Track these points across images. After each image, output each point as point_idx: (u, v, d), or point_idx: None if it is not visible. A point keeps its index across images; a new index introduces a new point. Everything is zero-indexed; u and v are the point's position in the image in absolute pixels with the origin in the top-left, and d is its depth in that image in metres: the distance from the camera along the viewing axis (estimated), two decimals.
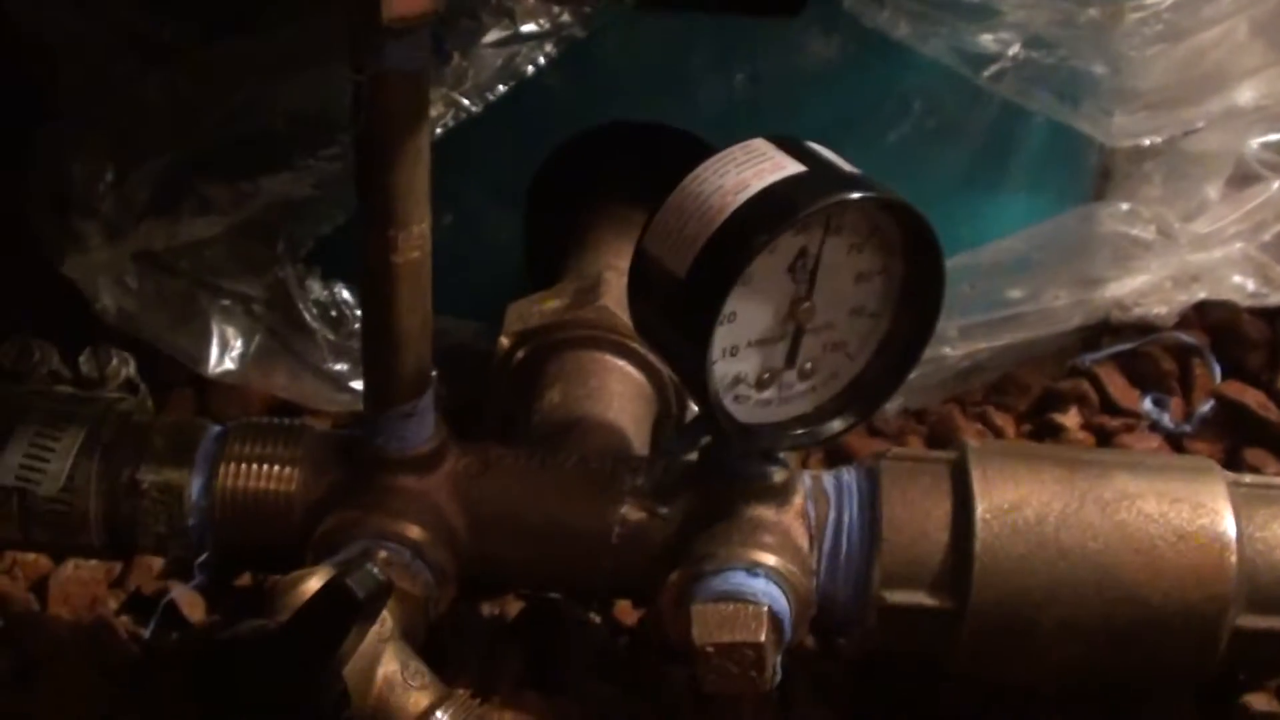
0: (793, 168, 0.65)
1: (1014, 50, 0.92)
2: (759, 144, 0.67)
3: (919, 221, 0.67)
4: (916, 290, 0.70)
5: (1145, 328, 1.04)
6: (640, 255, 0.66)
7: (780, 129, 0.85)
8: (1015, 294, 0.99)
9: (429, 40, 0.64)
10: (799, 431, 0.69)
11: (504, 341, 0.83)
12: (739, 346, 0.67)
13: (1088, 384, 1.01)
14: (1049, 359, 1.04)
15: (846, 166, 0.67)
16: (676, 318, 0.66)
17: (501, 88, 0.83)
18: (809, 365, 0.69)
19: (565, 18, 0.83)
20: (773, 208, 0.64)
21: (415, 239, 0.67)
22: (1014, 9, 0.90)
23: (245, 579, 0.85)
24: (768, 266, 0.65)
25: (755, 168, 0.65)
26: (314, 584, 0.65)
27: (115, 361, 0.77)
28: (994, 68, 0.92)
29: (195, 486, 0.74)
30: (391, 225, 0.66)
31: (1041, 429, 0.99)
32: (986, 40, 0.91)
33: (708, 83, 0.94)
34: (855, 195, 0.65)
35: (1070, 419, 0.98)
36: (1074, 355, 1.04)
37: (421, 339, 0.70)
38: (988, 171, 1.02)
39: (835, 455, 0.94)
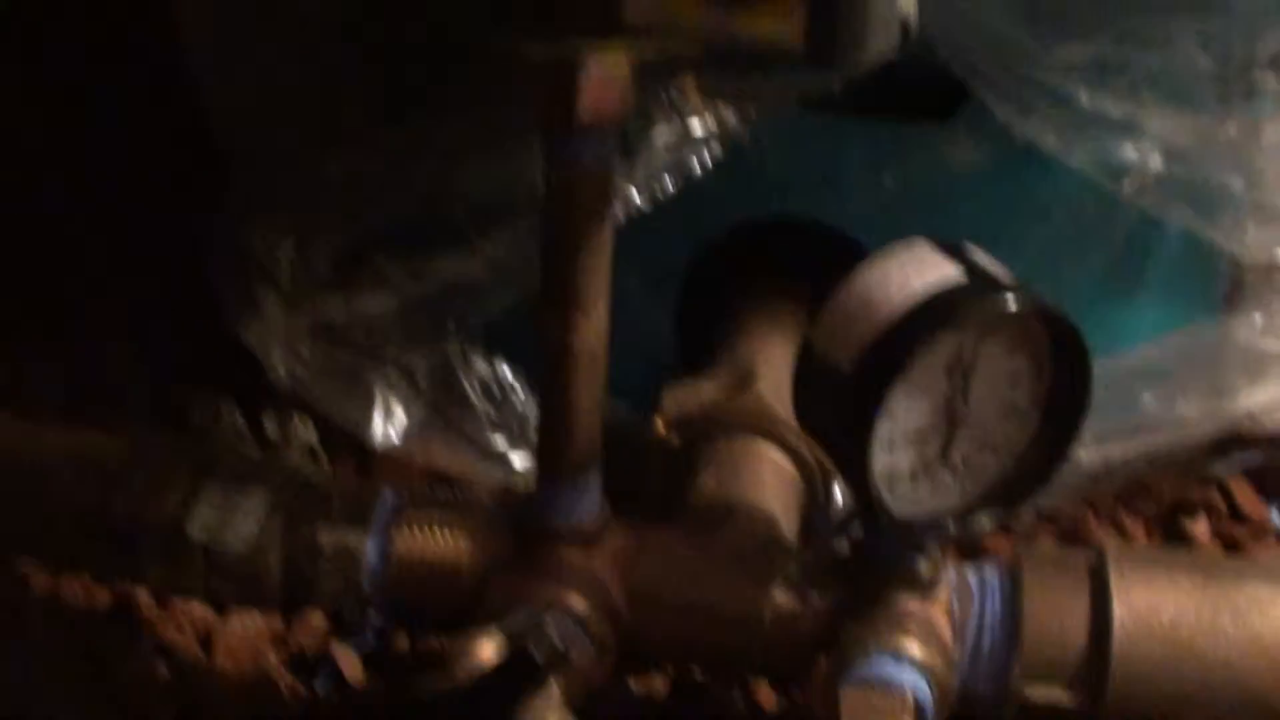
0: (953, 271, 0.69)
1: (1154, 163, 0.95)
2: (921, 245, 0.70)
3: (1069, 329, 0.70)
4: (1063, 394, 0.73)
5: (1275, 440, 1.06)
6: (806, 348, 0.70)
7: (926, 229, 0.89)
8: (1149, 400, 1.02)
9: (617, 139, 0.69)
10: (948, 525, 0.72)
11: (659, 425, 0.87)
12: (895, 440, 0.70)
13: (1217, 493, 1.03)
14: (1179, 466, 1.06)
15: (1003, 272, 0.70)
16: (840, 410, 0.69)
17: (669, 185, 0.87)
18: (959, 461, 0.72)
19: (731, 119, 0.87)
20: (934, 310, 0.67)
21: (594, 325, 0.71)
22: (1157, 124, 0.93)
23: (403, 643, 0.89)
24: (927, 365, 0.69)
25: (918, 270, 0.69)
26: (487, 647, 0.68)
27: (297, 426, 0.82)
28: (1135, 180, 0.95)
29: (371, 550, 0.77)
30: (573, 309, 0.70)
31: (1171, 535, 1.01)
32: (1129, 153, 0.94)
33: (858, 182, 0.99)
34: (1011, 302, 0.68)
35: (1199, 527, 1.01)
36: (1204, 464, 1.06)
37: (593, 418, 0.74)
38: (1123, 279, 1.05)
39: (968, 549, 0.96)
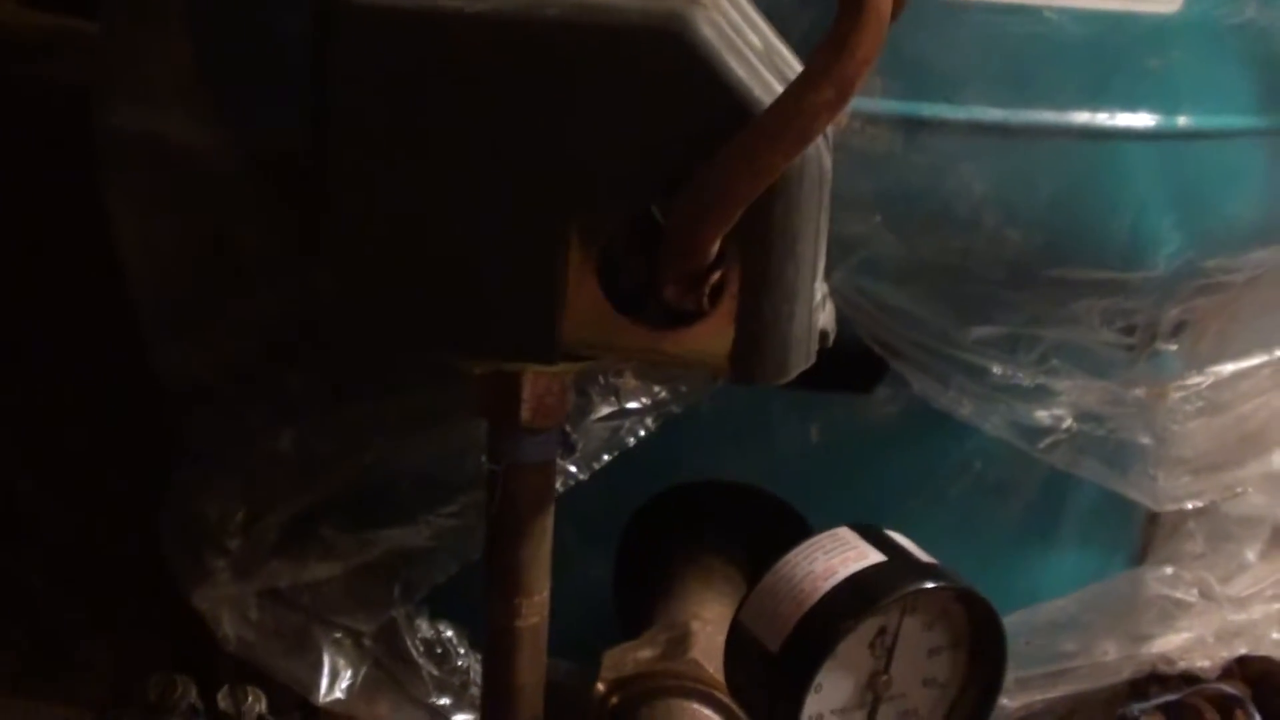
0: (874, 556, 0.74)
1: (1067, 424, 1.00)
2: (844, 533, 0.75)
3: (984, 606, 0.75)
4: (982, 661, 0.77)
5: (1190, 679, 1.10)
6: (737, 628, 0.74)
7: (849, 486, 0.94)
8: (1068, 648, 1.06)
9: (557, 436, 0.73)
10: None
11: (600, 687, 0.90)
12: (823, 714, 0.74)
13: None
14: (1100, 707, 1.10)
15: (922, 555, 0.75)
16: (769, 687, 0.73)
17: (606, 457, 0.92)
18: None
19: (664, 395, 0.92)
20: (857, 594, 0.72)
21: (536, 606, 0.75)
22: (1068, 390, 0.99)
23: None
24: (851, 643, 0.73)
25: (841, 555, 0.74)
26: None
27: (250, 699, 0.85)
28: (1048, 440, 1.00)
29: None
30: (517, 594, 0.74)
31: None
32: (1042, 416, 0.99)
33: (786, 445, 1.03)
34: (929, 585, 0.73)
35: None
36: (1123, 704, 1.11)
37: (536, 693, 0.77)
38: (1040, 528, 1.10)
39: None
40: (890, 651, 0.74)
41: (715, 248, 0.60)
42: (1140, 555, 1.16)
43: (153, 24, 0.99)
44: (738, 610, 0.75)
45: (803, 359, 0.64)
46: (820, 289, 0.66)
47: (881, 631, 0.74)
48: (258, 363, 1.01)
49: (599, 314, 0.63)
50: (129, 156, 0.98)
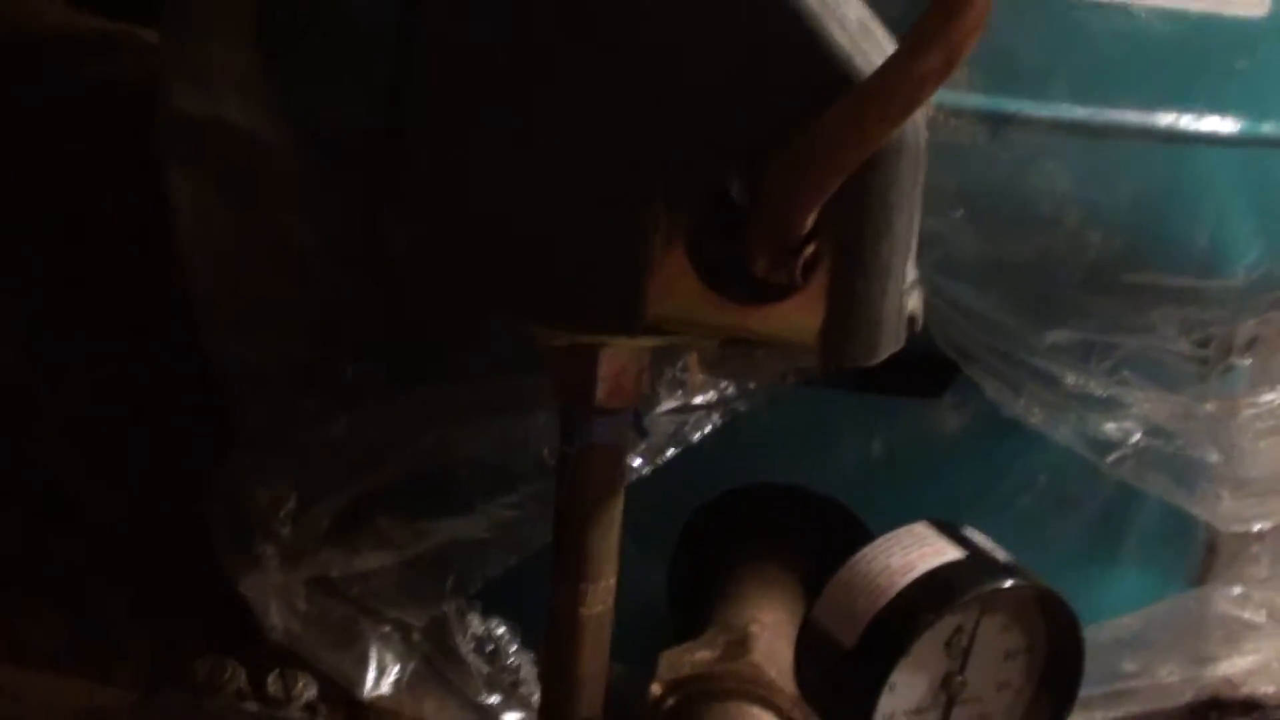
0: (952, 553, 0.72)
1: (1135, 438, 0.98)
2: (921, 529, 0.73)
3: (1063, 608, 0.73)
4: (1057, 668, 0.75)
5: (1251, 705, 1.08)
6: (809, 624, 0.72)
7: (912, 496, 0.92)
8: (1130, 668, 1.04)
9: (630, 419, 0.71)
10: None
11: (656, 689, 0.88)
12: (895, 714, 0.72)
13: None
14: None
15: (1001, 553, 0.73)
16: (842, 686, 0.71)
17: (670, 452, 0.90)
18: None
19: (730, 391, 0.90)
20: (935, 591, 0.70)
21: (602, 593, 0.73)
22: (1139, 402, 0.97)
23: None
24: (927, 642, 0.71)
25: (919, 551, 0.72)
26: None
27: (300, 684, 0.83)
28: (1116, 454, 0.98)
29: None
30: (583, 580, 0.72)
31: None
32: (1111, 429, 0.97)
33: (848, 451, 1.01)
34: (1009, 583, 0.71)
35: None
36: None
37: (597, 684, 0.75)
38: (1102, 546, 1.08)
39: None
40: (966, 652, 0.72)
41: (811, 219, 0.58)
42: (1199, 579, 1.14)
43: (220, 10, 0.98)
44: (811, 606, 0.73)
45: (892, 341, 0.62)
46: (911, 271, 0.64)
47: (958, 631, 0.72)
48: (313, 350, 1.00)
49: (685, 287, 0.61)
50: (191, 141, 0.97)
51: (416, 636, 0.98)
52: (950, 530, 0.73)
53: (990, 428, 1.00)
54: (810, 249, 0.60)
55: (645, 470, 0.90)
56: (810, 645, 0.73)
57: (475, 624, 0.98)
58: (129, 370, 1.18)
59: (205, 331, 1.02)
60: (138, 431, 1.15)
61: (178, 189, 0.99)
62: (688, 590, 1.02)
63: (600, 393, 0.68)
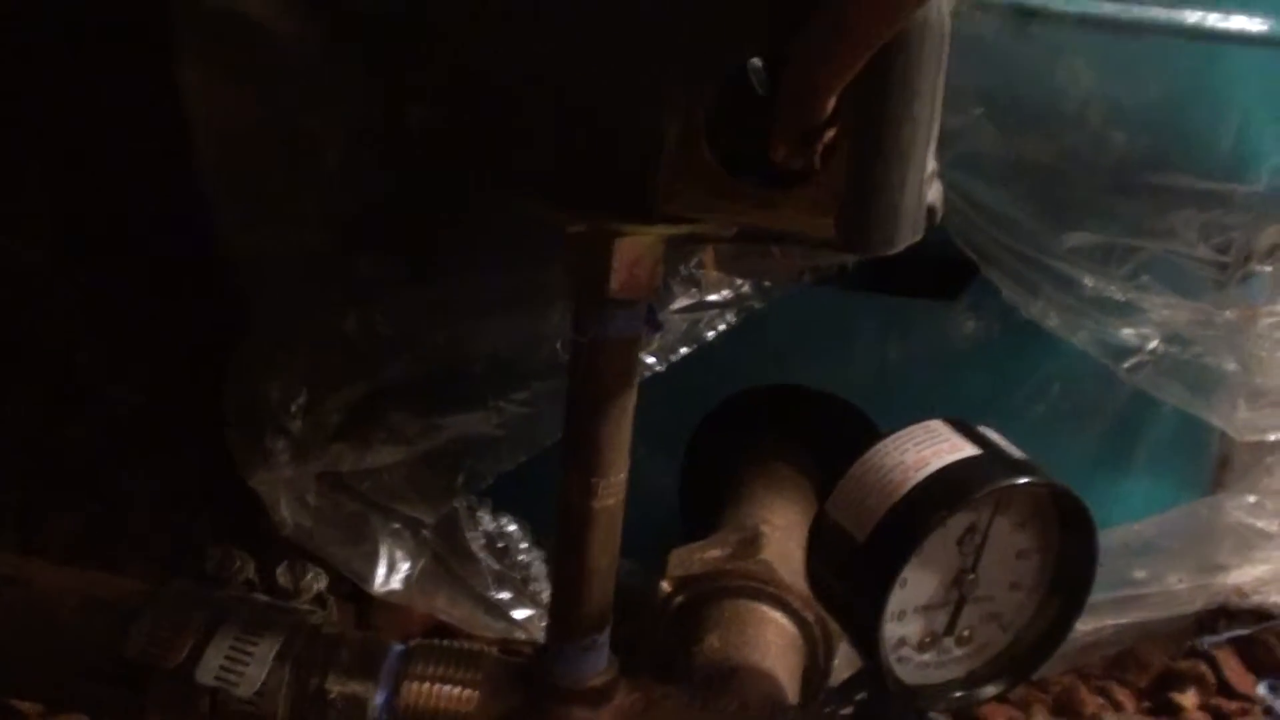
0: (968, 450, 0.71)
1: (1153, 345, 0.97)
2: (937, 425, 0.73)
3: (1078, 506, 0.72)
4: (1069, 570, 0.74)
5: (1262, 615, 1.08)
6: (822, 518, 0.72)
7: (926, 400, 0.91)
8: (1139, 575, 1.03)
9: (644, 311, 0.71)
10: (956, 694, 0.74)
11: (665, 586, 0.88)
12: (906, 611, 0.72)
13: (1205, 666, 1.05)
14: (1167, 638, 1.07)
15: (1015, 451, 0.72)
16: (854, 581, 0.71)
17: (684, 350, 0.89)
18: (966, 632, 0.74)
19: (746, 289, 0.89)
20: (949, 487, 0.69)
21: (614, 486, 0.73)
22: (1157, 308, 0.96)
23: None
24: (939, 539, 0.70)
25: (934, 447, 0.71)
26: None
27: (310, 576, 0.83)
28: (1133, 360, 0.97)
29: (379, 700, 0.78)
30: (594, 473, 0.72)
31: (1160, 707, 1.02)
32: (1129, 335, 0.97)
33: (862, 354, 1.01)
34: (1023, 480, 0.70)
35: (1188, 699, 1.02)
36: (1191, 636, 1.08)
37: (608, 578, 0.75)
38: (1114, 456, 1.08)
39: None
40: (979, 550, 0.72)
41: (832, 103, 0.57)
42: (1211, 490, 1.14)
43: None
44: (823, 500, 0.72)
45: (910, 231, 0.61)
46: (931, 162, 0.63)
47: (971, 529, 0.71)
48: (326, 244, 0.99)
49: (703, 174, 0.60)
50: (205, 29, 0.96)
51: (427, 533, 0.98)
52: (966, 428, 0.73)
53: (1005, 333, 1.00)
54: (830, 134, 0.59)
55: (659, 368, 0.90)
56: (822, 540, 0.72)
57: (486, 521, 0.97)
58: (149, 266, 1.18)
59: (219, 224, 1.01)
60: (155, 326, 1.14)
61: (193, 81, 0.98)
62: (698, 491, 1.02)
63: (614, 283, 0.67)
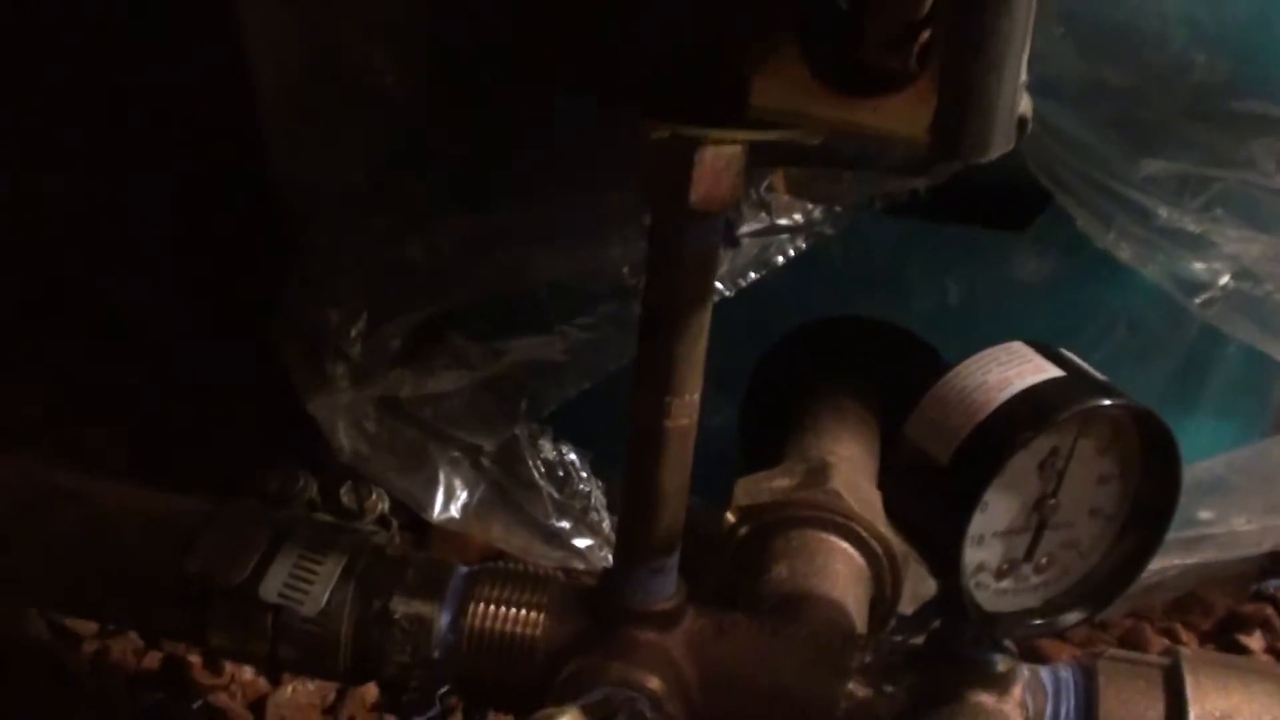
0: (1051, 371, 0.69)
1: (1224, 280, 0.95)
2: (1019, 346, 0.71)
3: (1163, 431, 0.71)
4: (1150, 496, 0.73)
5: None
6: (901, 441, 0.70)
7: (989, 334, 0.90)
8: (1206, 515, 1.02)
9: (722, 226, 0.69)
10: (1034, 622, 0.72)
11: (731, 516, 0.87)
12: (985, 536, 0.70)
13: (1271, 609, 1.03)
14: (1230, 581, 1.06)
15: (1099, 375, 0.71)
16: (935, 503, 0.69)
17: (753, 275, 0.88)
18: (1045, 560, 0.72)
19: (817, 214, 0.88)
20: (1034, 407, 0.68)
21: (687, 406, 0.71)
22: (1229, 241, 0.94)
23: None
24: (1021, 462, 0.69)
25: (1017, 368, 0.69)
26: None
27: (374, 496, 0.82)
28: (1205, 295, 0.95)
29: (444, 621, 0.77)
30: (668, 392, 0.71)
31: (1226, 649, 1.01)
32: (1200, 270, 0.95)
33: (926, 285, 0.99)
34: (1109, 402, 0.69)
35: (1255, 642, 1.01)
36: (1254, 580, 1.07)
37: (678, 501, 0.74)
38: (1181, 393, 1.06)
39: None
40: (1061, 475, 0.71)
41: (929, 1, 0.56)
42: (1277, 431, 1.12)
43: None
44: (903, 423, 0.71)
45: (1004, 139, 0.60)
46: (1024, 70, 0.61)
47: (1054, 452, 0.70)
48: (384, 171, 0.98)
49: (793, 77, 0.59)
50: None
51: (486, 461, 0.97)
52: (1047, 350, 0.71)
53: (1071, 267, 0.98)
54: (925, 35, 0.57)
55: (728, 293, 0.88)
56: (901, 462, 0.71)
57: (546, 449, 0.96)
58: (193, 192, 1.17)
59: (275, 150, 1.00)
60: (202, 253, 1.13)
61: (250, 7, 0.97)
62: (761, 424, 1.01)
63: (695, 194, 0.66)
